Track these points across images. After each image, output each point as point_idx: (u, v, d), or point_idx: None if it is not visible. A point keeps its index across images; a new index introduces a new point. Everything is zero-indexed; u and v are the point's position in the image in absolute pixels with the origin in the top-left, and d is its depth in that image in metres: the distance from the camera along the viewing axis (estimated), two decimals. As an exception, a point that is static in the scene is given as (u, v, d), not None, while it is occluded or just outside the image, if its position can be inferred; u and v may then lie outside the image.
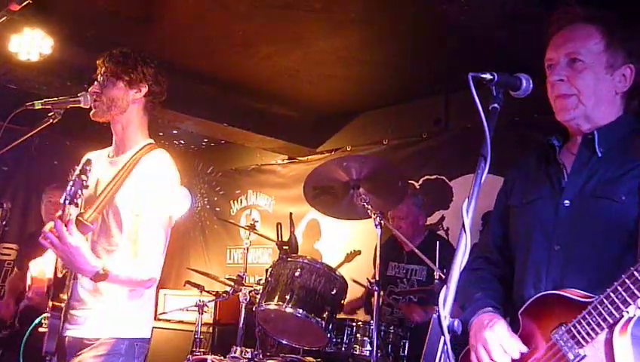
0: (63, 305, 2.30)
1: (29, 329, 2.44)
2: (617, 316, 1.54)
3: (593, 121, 1.82)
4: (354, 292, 4.33)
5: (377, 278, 3.23)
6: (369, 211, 3.29)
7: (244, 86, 5.22)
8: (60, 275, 2.35)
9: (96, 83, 2.46)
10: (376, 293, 3.20)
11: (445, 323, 1.24)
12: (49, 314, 2.30)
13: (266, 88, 5.26)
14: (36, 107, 2.38)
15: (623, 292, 1.52)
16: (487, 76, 1.47)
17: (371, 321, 3.26)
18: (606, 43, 1.80)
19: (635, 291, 1.50)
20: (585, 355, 1.60)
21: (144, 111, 2.53)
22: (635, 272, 1.50)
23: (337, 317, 3.44)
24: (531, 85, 1.55)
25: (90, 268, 2.12)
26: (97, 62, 2.49)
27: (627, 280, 1.52)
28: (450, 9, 3.69)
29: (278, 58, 4.60)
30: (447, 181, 5.10)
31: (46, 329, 2.31)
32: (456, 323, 1.26)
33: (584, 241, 1.74)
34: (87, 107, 2.44)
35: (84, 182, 2.14)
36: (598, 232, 1.72)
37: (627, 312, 1.53)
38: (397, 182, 3.59)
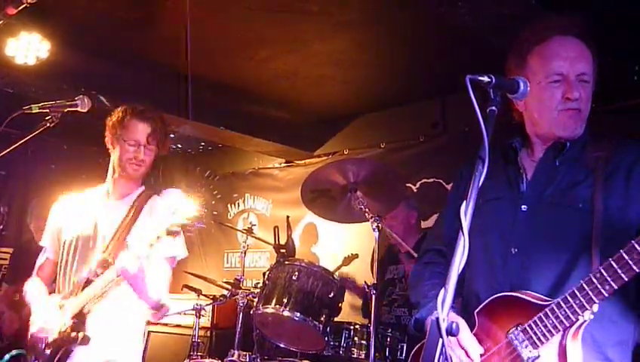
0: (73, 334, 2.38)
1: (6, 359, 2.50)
2: (573, 320, 1.60)
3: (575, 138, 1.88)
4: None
5: (375, 282, 3.23)
6: (366, 214, 3.29)
7: (241, 89, 5.22)
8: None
9: (140, 148, 2.55)
10: (373, 297, 3.20)
11: (444, 326, 1.24)
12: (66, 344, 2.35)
13: (263, 91, 5.26)
14: (33, 111, 2.38)
15: (582, 298, 1.58)
16: (485, 79, 1.47)
17: (369, 324, 3.25)
18: (595, 66, 1.86)
19: (593, 297, 1.56)
20: (538, 356, 1.66)
21: None
22: (594, 278, 1.56)
23: (335, 320, 3.43)
24: (528, 88, 1.55)
25: (153, 301, 2.39)
26: (141, 125, 2.56)
27: (586, 286, 1.58)
28: (447, 12, 3.69)
29: (275, 61, 4.60)
30: (444, 184, 5.10)
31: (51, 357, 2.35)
32: (454, 325, 1.26)
33: (541, 246, 1.79)
34: (84, 111, 2.44)
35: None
36: (554, 238, 1.78)
37: (582, 316, 1.59)
38: (394, 186, 3.60)
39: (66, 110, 2.42)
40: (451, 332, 1.25)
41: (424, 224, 4.84)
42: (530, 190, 1.86)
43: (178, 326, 5.46)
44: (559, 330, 1.62)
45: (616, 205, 1.74)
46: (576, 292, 1.59)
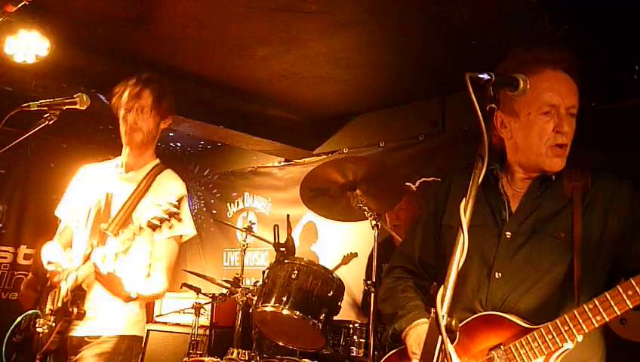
0: (46, 307, 2.41)
1: (12, 327, 2.47)
2: (559, 346, 1.66)
3: None
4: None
5: (374, 280, 3.23)
6: (365, 212, 3.29)
7: (240, 88, 5.22)
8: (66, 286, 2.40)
9: (132, 112, 2.51)
10: (372, 295, 3.20)
11: (443, 323, 1.24)
12: (63, 318, 2.34)
13: (262, 90, 5.26)
14: (32, 108, 2.38)
15: (572, 326, 1.64)
16: (485, 76, 1.47)
17: (368, 323, 3.25)
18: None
19: (584, 326, 1.63)
20: None
21: (159, 135, 2.70)
22: (587, 309, 1.62)
23: (334, 319, 3.43)
24: (528, 85, 1.55)
25: (124, 293, 2.31)
26: (134, 86, 2.57)
27: (578, 316, 1.64)
28: (446, 11, 3.69)
29: (274, 60, 4.60)
30: (443, 183, 5.09)
31: (42, 330, 2.33)
32: (453, 322, 1.26)
33: (525, 272, 1.83)
34: (83, 109, 2.45)
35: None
36: (537, 265, 1.82)
37: (568, 343, 1.65)
38: (394, 184, 3.59)
39: (64, 108, 2.42)
40: (450, 328, 1.25)
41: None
42: (514, 218, 1.89)
43: (177, 324, 5.47)
44: (543, 354, 1.68)
45: (595, 237, 1.80)
46: (567, 319, 1.66)
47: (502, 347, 1.74)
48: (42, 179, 6.16)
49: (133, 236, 2.23)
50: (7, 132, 2.35)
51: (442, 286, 1.32)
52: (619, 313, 1.59)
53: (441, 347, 1.23)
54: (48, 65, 4.24)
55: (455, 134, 4.98)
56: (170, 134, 6.46)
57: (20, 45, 3.98)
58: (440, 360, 1.26)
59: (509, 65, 1.87)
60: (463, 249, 1.31)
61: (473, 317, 1.82)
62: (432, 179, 5.18)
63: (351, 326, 3.56)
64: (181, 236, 2.61)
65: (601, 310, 1.61)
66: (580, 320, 1.63)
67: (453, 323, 1.26)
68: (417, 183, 5.27)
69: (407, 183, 5.08)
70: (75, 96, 2.44)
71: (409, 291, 2.06)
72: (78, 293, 2.36)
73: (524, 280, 1.81)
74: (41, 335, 2.38)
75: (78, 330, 2.40)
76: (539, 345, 1.68)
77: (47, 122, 2.41)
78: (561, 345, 1.66)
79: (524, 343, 1.71)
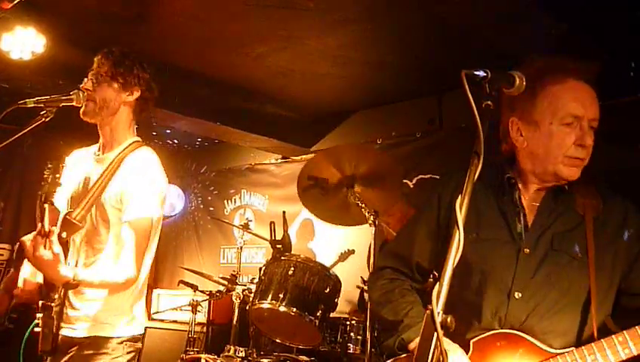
0: (53, 304, 2.31)
1: (29, 329, 2.44)
2: None
3: None
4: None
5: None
6: (363, 209, 3.29)
7: (237, 85, 5.21)
8: None
9: (89, 79, 2.46)
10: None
11: (438, 320, 1.24)
12: (42, 314, 2.31)
13: (259, 87, 5.26)
14: (28, 105, 2.37)
15: (600, 358, 1.64)
16: (481, 73, 1.46)
17: (365, 320, 3.26)
18: None
19: (611, 358, 1.63)
20: None
21: (133, 113, 2.55)
22: (615, 341, 1.63)
23: (331, 315, 3.44)
24: (524, 83, 1.55)
25: (59, 277, 2.13)
26: (95, 58, 2.49)
27: (606, 346, 1.64)
28: (443, 9, 3.70)
29: (271, 58, 4.59)
30: (440, 180, 5.10)
31: (41, 329, 2.31)
32: (449, 319, 1.26)
33: (544, 291, 1.78)
34: (80, 105, 2.43)
35: (57, 181, 2.16)
36: (558, 286, 1.78)
37: None
38: (392, 181, 3.59)
39: (61, 105, 2.40)
40: (446, 326, 1.25)
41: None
42: (531, 233, 1.83)
43: (174, 321, 5.48)
44: None
45: (608, 259, 1.79)
46: (594, 348, 1.64)
47: None
48: (39, 176, 6.14)
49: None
50: (3, 129, 2.33)
51: (438, 283, 1.32)
52: None
53: (436, 343, 1.23)
54: (44, 62, 4.23)
55: (452, 132, 4.98)
56: (168, 131, 6.46)
57: (16, 42, 3.97)
58: (435, 356, 1.27)
59: (526, 72, 1.69)
60: (459, 247, 1.31)
61: (490, 333, 1.78)
62: (429, 176, 5.19)
63: (348, 322, 3.57)
64: (154, 217, 2.39)
65: (631, 344, 1.61)
66: (609, 352, 1.63)
67: (449, 319, 1.26)
68: (414, 180, 5.27)
69: (404, 181, 5.09)
70: (71, 93, 2.41)
71: (408, 295, 1.98)
72: (48, 284, 2.30)
73: (544, 300, 1.77)
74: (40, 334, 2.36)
75: (69, 331, 2.35)
76: None
77: (43, 119, 2.38)
78: None
79: None
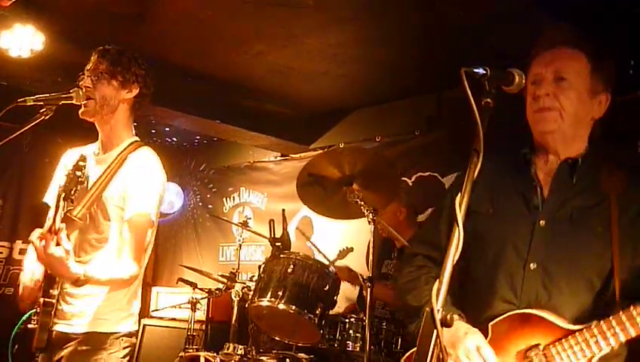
0: (53, 300, 2.33)
1: (17, 325, 2.44)
2: (595, 351, 1.64)
3: (568, 140, 1.86)
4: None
5: (370, 274, 3.24)
6: (362, 207, 3.29)
7: (236, 83, 5.21)
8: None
9: (87, 77, 2.46)
10: (369, 289, 3.20)
11: (438, 317, 1.24)
12: (39, 311, 2.32)
13: (258, 85, 5.26)
14: (27, 103, 2.37)
15: (620, 332, 1.61)
16: (480, 71, 1.47)
17: (364, 317, 3.26)
18: (591, 68, 1.86)
19: (631, 331, 1.60)
20: None
21: (131, 111, 2.57)
22: (624, 317, 1.61)
23: (330, 313, 3.44)
24: (524, 80, 1.55)
25: (70, 275, 2.14)
26: (92, 56, 2.50)
27: (614, 324, 1.61)
28: (443, 7, 3.70)
29: (270, 55, 4.59)
30: (439, 178, 5.11)
31: (35, 326, 2.32)
32: (448, 316, 1.26)
33: (562, 265, 1.78)
34: (79, 103, 2.43)
35: (79, 179, 2.16)
36: (576, 259, 1.77)
37: (605, 349, 1.63)
38: (391, 178, 3.59)
39: (60, 103, 2.40)
40: (446, 323, 1.25)
41: (420, 218, 4.86)
42: (548, 205, 1.84)
43: (173, 319, 5.48)
44: (585, 357, 1.65)
45: (629, 240, 1.75)
46: (612, 323, 1.62)
47: (540, 348, 1.70)
48: (38, 174, 6.14)
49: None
50: (2, 127, 2.33)
51: (437, 281, 1.32)
52: None
53: (436, 341, 1.23)
54: (43, 60, 4.23)
55: (451, 130, 4.98)
56: (166, 129, 6.45)
57: (15, 39, 3.97)
58: (435, 354, 1.27)
59: (531, 51, 1.88)
60: (458, 244, 1.31)
61: (508, 314, 1.78)
62: (428, 174, 5.19)
63: (347, 320, 3.57)
64: (156, 215, 2.42)
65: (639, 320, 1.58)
66: (628, 325, 1.60)
67: (448, 317, 1.26)
68: (413, 178, 5.28)
69: (403, 178, 5.09)
70: (71, 91, 2.41)
71: (432, 282, 1.98)
72: (48, 281, 2.31)
73: (561, 273, 1.77)
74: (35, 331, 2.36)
75: (64, 326, 2.36)
76: (581, 348, 1.65)
77: (42, 117, 2.38)
78: (596, 351, 1.63)
79: (565, 346, 1.67)
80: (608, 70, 1.91)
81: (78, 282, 2.17)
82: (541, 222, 1.82)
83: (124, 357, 2.41)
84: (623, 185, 1.80)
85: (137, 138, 2.58)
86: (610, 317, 1.63)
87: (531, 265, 1.79)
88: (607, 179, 1.82)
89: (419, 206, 4.75)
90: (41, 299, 2.32)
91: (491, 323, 1.80)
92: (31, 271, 2.43)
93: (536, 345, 1.71)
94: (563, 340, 1.68)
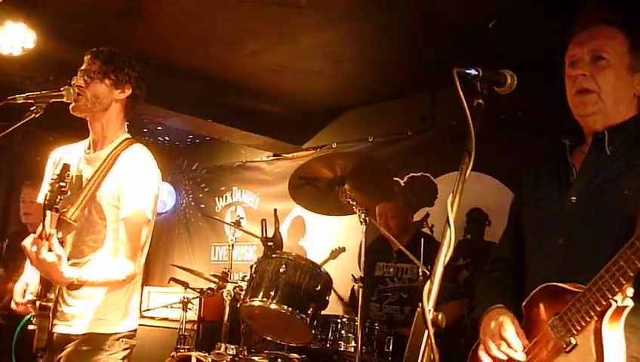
0: (50, 304, 2.33)
1: (19, 327, 2.44)
2: (605, 304, 1.56)
3: (610, 119, 1.84)
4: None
5: (362, 274, 3.23)
6: (354, 207, 3.29)
7: (229, 82, 5.20)
8: None
9: (80, 77, 2.45)
10: (360, 290, 3.20)
11: (429, 317, 1.24)
12: (37, 313, 2.32)
13: (251, 85, 5.25)
14: (18, 101, 2.36)
15: (609, 280, 1.55)
16: (472, 72, 1.47)
17: (356, 317, 3.26)
18: (630, 45, 1.84)
19: (621, 279, 1.53)
20: (576, 344, 1.63)
21: (124, 111, 2.56)
22: (620, 260, 1.53)
23: (322, 313, 3.44)
24: (516, 82, 1.55)
25: (63, 280, 2.16)
26: (85, 57, 2.49)
27: (613, 267, 1.55)
28: (437, 6, 3.70)
29: (264, 54, 4.58)
30: (432, 178, 5.12)
31: (36, 327, 2.32)
32: (440, 316, 1.26)
33: (586, 234, 1.77)
34: (70, 102, 2.42)
35: (62, 189, 2.17)
36: (600, 225, 1.76)
37: (615, 301, 1.55)
38: (382, 178, 3.59)
39: (51, 101, 2.39)
40: (437, 323, 1.25)
41: (415, 218, 4.88)
42: (578, 181, 1.85)
43: (165, 319, 5.45)
44: (593, 316, 1.59)
45: None
46: (603, 274, 1.57)
47: (556, 315, 1.70)
48: (28, 172, 6.11)
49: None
50: (-8, 125, 2.33)
51: (429, 281, 1.32)
52: None
53: (427, 341, 1.23)
54: (35, 58, 4.20)
55: (444, 130, 4.99)
56: (159, 128, 6.43)
57: (6, 37, 3.94)
58: (426, 354, 1.27)
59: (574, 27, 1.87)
60: (450, 243, 1.31)
61: (536, 290, 1.80)
62: (420, 174, 5.20)
63: (339, 320, 3.57)
64: (150, 213, 2.41)
65: (632, 255, 1.50)
66: (615, 271, 1.53)
67: (440, 317, 1.26)
68: (406, 178, 5.29)
69: (395, 178, 5.10)
70: (62, 89, 2.41)
71: (495, 282, 2.08)
72: (45, 285, 2.31)
73: (586, 244, 1.75)
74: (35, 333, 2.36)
75: (65, 328, 2.36)
76: (584, 306, 1.60)
77: (33, 115, 2.37)
78: (606, 303, 1.55)
79: (572, 308, 1.64)
80: None
81: (72, 286, 2.19)
82: (572, 198, 1.83)
83: (123, 358, 2.41)
84: None
85: (129, 135, 2.57)
86: (602, 271, 1.57)
87: (559, 240, 1.81)
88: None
89: (412, 206, 4.76)
90: (37, 303, 2.32)
91: (523, 304, 1.84)
92: (24, 282, 2.44)
93: (557, 313, 1.71)
94: (572, 302, 1.65)
